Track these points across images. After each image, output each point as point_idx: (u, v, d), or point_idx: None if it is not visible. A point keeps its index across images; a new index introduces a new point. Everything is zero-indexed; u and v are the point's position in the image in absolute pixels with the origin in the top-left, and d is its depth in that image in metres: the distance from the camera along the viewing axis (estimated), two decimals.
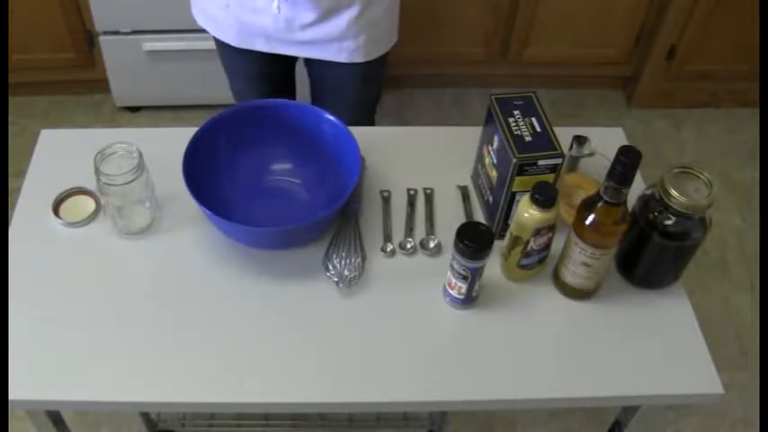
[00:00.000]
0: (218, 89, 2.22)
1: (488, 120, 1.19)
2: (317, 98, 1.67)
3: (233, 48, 1.50)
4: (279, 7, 1.36)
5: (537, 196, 1.05)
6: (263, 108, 1.28)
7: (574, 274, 1.12)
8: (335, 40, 1.44)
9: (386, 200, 1.28)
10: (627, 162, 0.98)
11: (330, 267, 1.16)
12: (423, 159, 1.35)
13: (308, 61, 1.58)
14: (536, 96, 1.19)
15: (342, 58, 1.47)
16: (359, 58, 1.48)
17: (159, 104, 2.54)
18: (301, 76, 1.69)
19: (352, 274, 1.16)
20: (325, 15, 1.39)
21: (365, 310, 1.14)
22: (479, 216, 1.26)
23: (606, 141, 1.21)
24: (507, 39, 2.47)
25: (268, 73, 1.61)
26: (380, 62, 1.54)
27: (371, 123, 1.74)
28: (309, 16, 1.39)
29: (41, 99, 2.56)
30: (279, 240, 1.19)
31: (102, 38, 2.29)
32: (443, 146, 1.37)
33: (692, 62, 2.50)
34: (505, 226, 1.18)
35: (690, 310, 1.16)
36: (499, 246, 1.17)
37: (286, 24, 1.41)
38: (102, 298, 1.13)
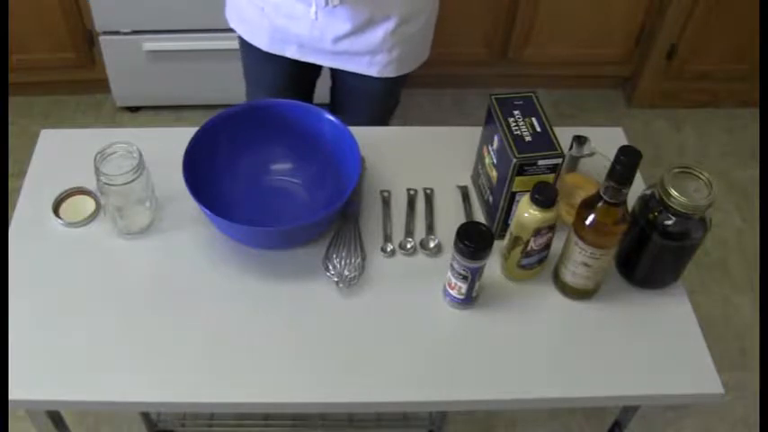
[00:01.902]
0: (219, 89, 2.23)
1: (488, 120, 1.19)
2: (336, 106, 1.66)
3: (262, 53, 1.49)
4: (316, 13, 1.35)
5: (537, 196, 1.05)
6: (263, 108, 1.28)
7: (574, 274, 1.12)
8: (368, 54, 1.43)
9: (386, 200, 1.28)
10: (627, 162, 0.98)
11: (330, 267, 1.16)
12: (423, 159, 1.35)
13: (334, 71, 1.57)
14: (536, 96, 1.19)
15: (372, 72, 1.46)
16: (389, 74, 1.47)
17: (159, 104, 2.54)
18: (318, 85, 1.68)
19: (352, 274, 1.16)
20: (361, 27, 1.38)
21: (365, 310, 1.14)
22: (479, 216, 1.26)
23: (606, 141, 1.21)
24: (507, 39, 2.47)
25: (292, 82, 1.60)
26: (405, 76, 1.53)
27: None
28: (345, 27, 1.37)
29: (41, 99, 2.56)
30: (279, 240, 1.19)
31: (102, 38, 2.29)
32: (443, 146, 1.37)
33: (692, 62, 2.50)
34: (505, 226, 1.18)
35: (690, 310, 1.16)
36: (499, 246, 1.17)
37: (321, 33, 1.39)
38: (102, 298, 1.13)
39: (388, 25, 1.38)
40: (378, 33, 1.39)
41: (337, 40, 1.40)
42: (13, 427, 1.65)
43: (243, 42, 1.53)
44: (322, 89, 1.69)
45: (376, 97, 1.58)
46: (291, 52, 1.46)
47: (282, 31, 1.42)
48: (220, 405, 1.06)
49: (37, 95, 2.56)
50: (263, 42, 1.47)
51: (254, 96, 1.68)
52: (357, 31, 1.38)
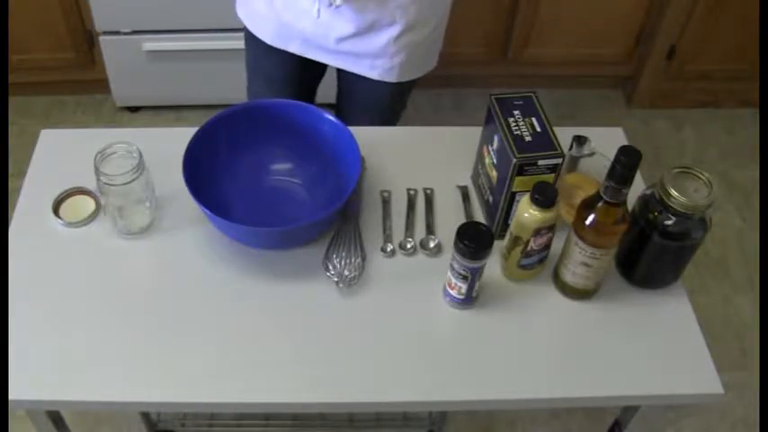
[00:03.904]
0: (218, 89, 2.23)
1: (488, 120, 1.19)
2: (341, 108, 1.66)
3: (266, 46, 1.49)
4: (319, 11, 1.34)
5: (537, 196, 1.05)
6: (262, 108, 1.28)
7: (574, 274, 1.12)
8: (370, 57, 1.42)
9: (386, 200, 1.28)
10: (627, 162, 0.98)
11: (330, 267, 1.16)
12: (423, 159, 1.35)
13: (339, 71, 1.57)
14: (536, 96, 1.19)
15: (374, 75, 1.46)
16: (391, 78, 1.47)
17: (159, 104, 2.54)
18: (324, 85, 1.68)
19: (352, 274, 1.16)
20: (364, 30, 1.37)
21: (365, 310, 1.14)
22: (479, 216, 1.26)
23: (606, 141, 1.21)
24: (507, 39, 2.47)
25: (293, 78, 1.59)
26: (412, 82, 1.53)
27: None
28: (348, 28, 1.37)
29: (41, 99, 2.56)
30: (279, 240, 1.19)
31: (102, 38, 2.29)
32: (443, 146, 1.37)
33: (692, 62, 2.50)
34: (505, 226, 1.18)
35: (690, 310, 1.16)
36: (499, 246, 1.17)
37: (324, 31, 1.39)
38: (102, 298, 1.13)
39: (393, 31, 1.38)
40: (381, 38, 1.39)
41: (340, 40, 1.40)
42: (13, 427, 1.65)
43: (248, 34, 1.53)
44: (327, 90, 1.69)
45: (380, 101, 1.58)
46: (295, 47, 1.46)
47: (288, 26, 1.42)
48: (220, 405, 1.06)
49: (37, 95, 2.56)
50: (267, 35, 1.47)
51: (253, 88, 1.67)
52: (360, 33, 1.38)
